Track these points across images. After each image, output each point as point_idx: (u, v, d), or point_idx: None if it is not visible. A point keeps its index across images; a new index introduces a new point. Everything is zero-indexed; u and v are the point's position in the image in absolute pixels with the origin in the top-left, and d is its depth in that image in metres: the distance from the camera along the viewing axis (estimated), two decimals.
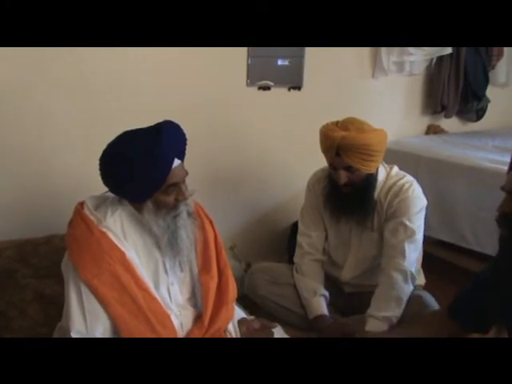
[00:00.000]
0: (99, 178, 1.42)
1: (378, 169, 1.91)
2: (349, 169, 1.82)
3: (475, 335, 1.54)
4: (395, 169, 1.98)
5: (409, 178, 1.94)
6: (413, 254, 1.87)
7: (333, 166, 1.87)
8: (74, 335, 1.30)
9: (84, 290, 1.31)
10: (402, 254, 1.84)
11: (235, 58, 2.44)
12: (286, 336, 1.69)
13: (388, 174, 1.95)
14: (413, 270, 1.86)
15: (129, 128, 1.41)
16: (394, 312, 1.82)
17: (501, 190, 1.41)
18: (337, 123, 1.87)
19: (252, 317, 1.67)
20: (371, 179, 1.89)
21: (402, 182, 1.91)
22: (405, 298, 1.84)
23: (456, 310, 1.55)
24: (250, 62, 2.49)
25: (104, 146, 1.39)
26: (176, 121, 1.43)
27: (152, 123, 1.40)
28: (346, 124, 1.84)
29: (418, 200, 1.88)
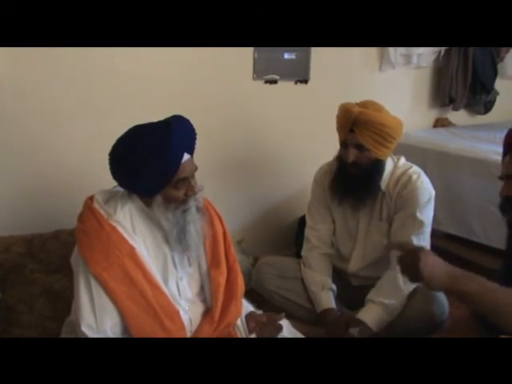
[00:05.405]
0: (105, 175, 1.41)
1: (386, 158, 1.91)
2: (359, 148, 1.83)
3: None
4: (402, 159, 1.98)
5: (416, 168, 1.95)
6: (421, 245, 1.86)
7: (344, 143, 1.87)
8: (84, 329, 1.30)
9: (94, 283, 1.31)
10: None
11: (241, 51, 2.43)
12: (292, 330, 1.69)
13: (395, 165, 1.95)
14: None
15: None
16: (391, 300, 1.83)
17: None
18: (356, 102, 1.90)
19: (260, 311, 1.67)
20: (379, 165, 1.89)
21: (409, 172, 1.91)
22: (405, 290, 1.85)
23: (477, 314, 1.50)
24: (256, 55, 2.48)
25: (109, 144, 1.39)
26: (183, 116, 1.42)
27: (159, 120, 1.39)
28: (365, 103, 1.89)
29: (426, 190, 1.89)
